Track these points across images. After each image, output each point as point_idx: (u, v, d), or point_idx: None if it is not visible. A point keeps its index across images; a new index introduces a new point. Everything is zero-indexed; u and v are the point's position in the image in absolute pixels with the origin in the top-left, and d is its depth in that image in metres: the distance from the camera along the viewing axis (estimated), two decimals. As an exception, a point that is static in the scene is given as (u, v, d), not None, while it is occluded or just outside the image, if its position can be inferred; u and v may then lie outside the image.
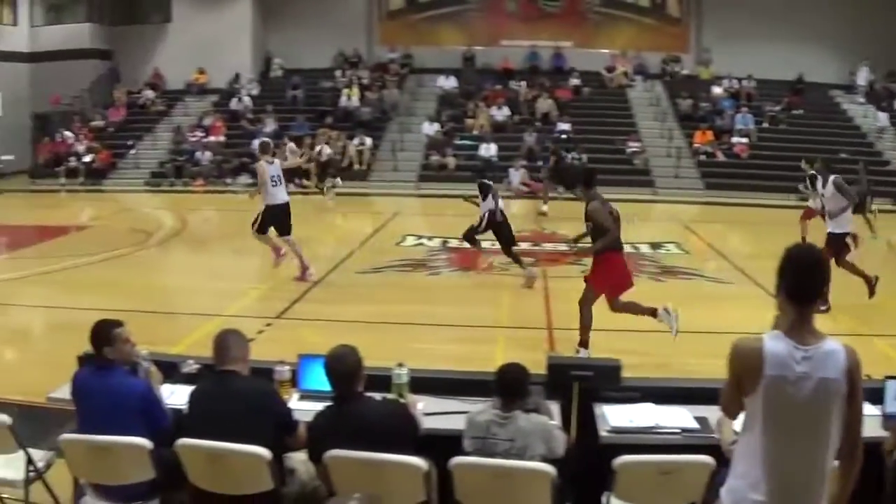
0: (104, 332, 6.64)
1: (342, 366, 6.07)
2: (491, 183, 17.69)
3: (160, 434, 6.29)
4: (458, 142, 34.19)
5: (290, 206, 17.50)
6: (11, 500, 7.28)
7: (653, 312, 12.08)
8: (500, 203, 17.62)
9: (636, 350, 11.13)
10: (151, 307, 14.08)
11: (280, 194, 17.35)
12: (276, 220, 17.33)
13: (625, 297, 12.03)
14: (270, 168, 17.32)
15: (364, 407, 6.05)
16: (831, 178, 15.68)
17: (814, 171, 18.99)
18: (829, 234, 15.21)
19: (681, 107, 36.12)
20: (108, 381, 6.50)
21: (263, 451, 5.76)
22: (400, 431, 5.96)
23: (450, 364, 9.27)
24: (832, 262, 14.13)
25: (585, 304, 11.92)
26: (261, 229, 17.37)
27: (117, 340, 6.63)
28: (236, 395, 6.19)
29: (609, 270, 11.91)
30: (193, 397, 6.43)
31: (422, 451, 5.79)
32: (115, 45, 43.44)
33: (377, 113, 36.87)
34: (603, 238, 11.69)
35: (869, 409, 5.68)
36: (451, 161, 32.77)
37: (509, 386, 6.12)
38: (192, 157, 35.54)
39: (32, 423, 8.72)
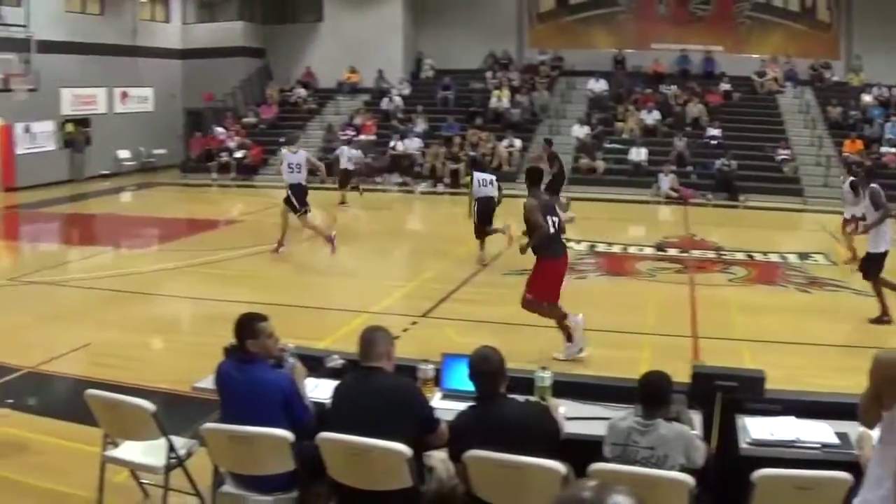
0: (249, 326, 6.79)
1: (486, 366, 6.13)
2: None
3: (301, 428, 6.42)
4: (607, 145, 33.96)
5: (303, 189, 20.32)
6: (152, 486, 7.54)
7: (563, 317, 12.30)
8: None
9: (777, 363, 11.01)
10: (299, 302, 14.33)
11: (295, 178, 20.25)
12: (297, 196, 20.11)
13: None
14: (292, 157, 20.39)
15: (506, 408, 6.09)
16: (870, 186, 15.23)
17: (854, 179, 18.40)
18: (867, 252, 14.82)
19: (830, 114, 35.20)
20: (251, 375, 6.66)
21: (404, 448, 5.84)
22: (541, 434, 5.98)
23: (593, 369, 9.30)
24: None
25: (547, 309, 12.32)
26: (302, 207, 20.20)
27: (261, 334, 6.78)
28: (379, 391, 6.28)
29: (540, 278, 12.28)
30: (337, 392, 6.57)
31: (561, 454, 5.81)
32: (267, 44, 44.13)
33: (527, 115, 36.76)
34: (533, 235, 12.20)
35: None
36: (600, 165, 32.56)
37: (652, 394, 6.09)
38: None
39: (176, 412, 9.02)
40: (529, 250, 12.49)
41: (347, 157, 30.56)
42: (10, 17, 31.84)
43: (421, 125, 36.30)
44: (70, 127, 36.47)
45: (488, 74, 39.55)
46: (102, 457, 7.24)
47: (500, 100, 37.13)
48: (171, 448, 6.87)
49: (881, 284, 14.64)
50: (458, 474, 6.14)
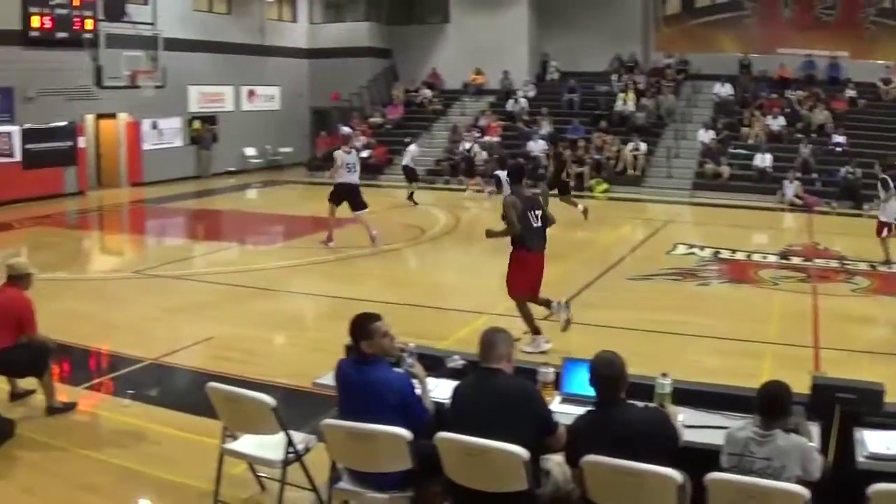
0: (363, 326, 6.82)
1: (608, 370, 6.09)
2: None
3: (418, 429, 6.41)
4: (732, 150, 33.52)
5: (359, 188, 21.23)
6: (268, 480, 7.62)
7: (546, 304, 12.91)
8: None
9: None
10: (421, 301, 14.38)
11: (352, 178, 21.08)
12: (348, 196, 21.04)
13: None
14: (347, 157, 21.16)
15: (626, 414, 6.04)
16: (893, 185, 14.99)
17: (885, 176, 17.84)
18: None
19: (955, 123, 34.42)
20: (369, 375, 6.69)
21: (521, 451, 5.80)
22: (660, 441, 5.91)
23: (713, 377, 9.15)
24: None
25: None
26: (332, 199, 21.24)
27: (376, 334, 6.79)
28: (499, 393, 6.26)
29: (515, 269, 12.79)
30: (456, 392, 6.56)
31: (678, 463, 5.73)
32: (393, 44, 44.42)
33: (652, 118, 36.48)
34: (505, 230, 12.70)
35: None
36: (725, 170, 32.16)
37: (771, 404, 5.98)
38: (468, 156, 35.96)
39: (296, 407, 9.11)
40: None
41: (411, 155, 30.78)
42: (137, 15, 32.43)
43: (546, 127, 36.15)
44: (197, 124, 37.04)
45: (614, 77, 39.33)
46: (221, 449, 7.35)
47: (626, 103, 36.87)
48: (290, 443, 6.93)
49: None
50: (575, 479, 6.10)
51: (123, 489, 8.14)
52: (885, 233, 18.86)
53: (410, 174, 30.52)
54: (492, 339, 6.49)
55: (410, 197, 29.40)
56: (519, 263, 12.78)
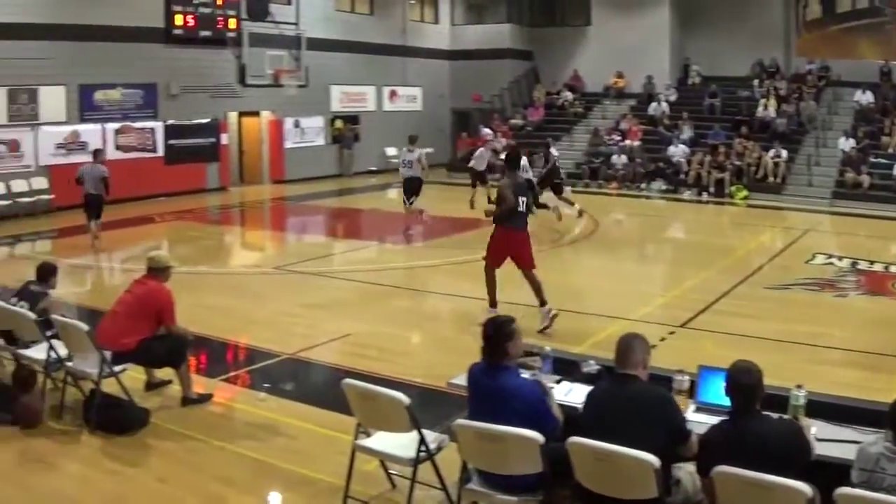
0: (507, 329, 6.77)
1: (745, 379, 5.93)
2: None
3: (546, 436, 6.32)
4: (872, 160, 32.73)
5: (412, 181, 23.63)
6: (399, 477, 7.59)
7: (543, 302, 13.84)
8: None
9: None
10: (557, 304, 14.24)
11: (406, 172, 23.86)
12: (404, 186, 23.79)
13: None
14: (407, 154, 23.98)
15: (761, 425, 5.89)
16: None
17: None
18: None
19: None
20: (499, 382, 6.65)
21: (652, 458, 5.71)
22: (793, 454, 5.77)
23: (846, 390, 8.92)
24: None
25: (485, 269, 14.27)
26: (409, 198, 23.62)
27: (517, 335, 6.78)
28: (633, 399, 6.19)
29: (491, 242, 14.20)
30: (591, 397, 6.50)
31: (809, 476, 5.58)
32: (534, 46, 44.46)
33: (793, 125, 35.83)
34: (500, 206, 13.95)
35: None
36: (865, 179, 31.38)
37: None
38: (608, 159, 35.76)
39: (430, 406, 9.11)
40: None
41: (477, 157, 29.97)
42: (281, 14, 32.83)
43: (687, 132, 35.80)
44: (339, 123, 37.38)
45: (755, 82, 38.77)
46: (354, 445, 7.35)
47: (767, 109, 36.26)
48: (423, 441, 6.91)
49: None
50: (704, 488, 5.99)
51: (257, 482, 8.21)
52: None
53: (476, 177, 29.47)
54: (629, 345, 6.41)
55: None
56: (500, 241, 14.08)
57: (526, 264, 14.00)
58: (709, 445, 6.00)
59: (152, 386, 10.46)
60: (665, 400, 6.35)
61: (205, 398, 10.25)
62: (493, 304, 14.05)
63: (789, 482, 5.36)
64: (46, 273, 11.08)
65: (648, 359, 6.45)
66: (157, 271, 10.07)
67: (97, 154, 22.12)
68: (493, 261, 14.16)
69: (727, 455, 5.66)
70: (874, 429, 6.24)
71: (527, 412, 6.46)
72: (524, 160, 20.74)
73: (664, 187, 33.96)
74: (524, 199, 14.11)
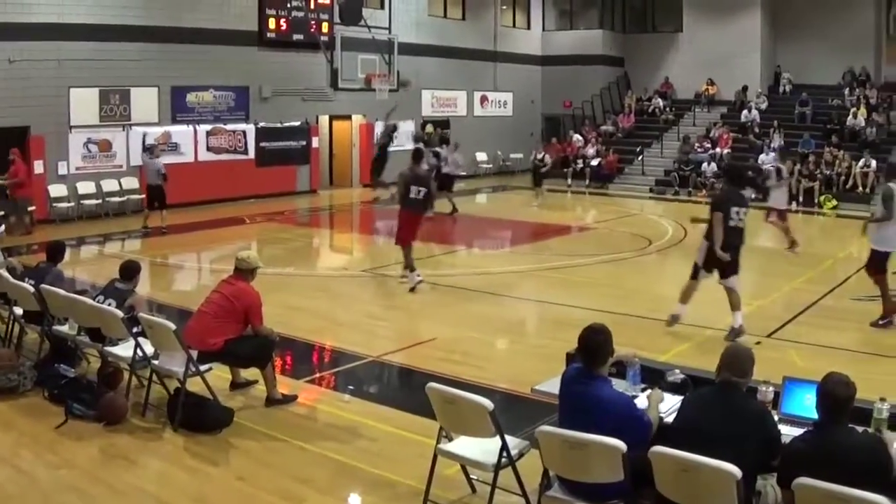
0: (610, 343, 6.72)
1: (842, 392, 5.86)
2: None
3: (637, 444, 6.30)
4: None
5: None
6: (480, 482, 7.57)
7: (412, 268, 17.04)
8: None
9: None
10: (644, 312, 14.19)
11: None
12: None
13: None
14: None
15: (847, 438, 5.82)
16: (885, 185, 14.25)
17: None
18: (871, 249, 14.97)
19: None
20: (592, 391, 6.60)
21: (734, 470, 5.63)
22: (876, 468, 5.69)
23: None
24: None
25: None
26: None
27: (612, 342, 6.73)
28: (734, 410, 6.16)
29: (405, 226, 17.25)
30: (687, 403, 6.50)
31: (891, 491, 5.49)
32: (625, 53, 44.54)
33: (883, 135, 35.29)
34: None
35: None
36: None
37: None
38: (699, 167, 35.52)
39: (513, 412, 9.11)
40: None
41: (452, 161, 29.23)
42: (373, 19, 32.97)
43: (777, 140, 35.42)
44: (429, 128, 37.49)
45: (846, 91, 38.30)
46: (436, 449, 7.37)
47: (857, 118, 35.78)
48: (505, 447, 6.91)
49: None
50: (786, 501, 5.87)
51: (337, 483, 8.24)
52: None
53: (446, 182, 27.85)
54: (739, 354, 6.43)
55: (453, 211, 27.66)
56: (407, 222, 17.21)
57: (402, 241, 17.25)
58: (791, 456, 5.92)
59: (237, 386, 10.56)
60: (764, 414, 6.34)
61: (289, 399, 10.34)
62: (412, 268, 17.13)
63: (870, 496, 5.28)
64: (131, 272, 11.22)
65: (753, 371, 6.42)
66: (245, 272, 10.18)
67: (152, 150, 23.90)
68: (410, 239, 17.28)
69: (810, 466, 5.59)
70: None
71: (616, 425, 6.39)
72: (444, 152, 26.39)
73: (752, 196, 33.66)
74: (421, 189, 17.03)
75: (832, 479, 5.42)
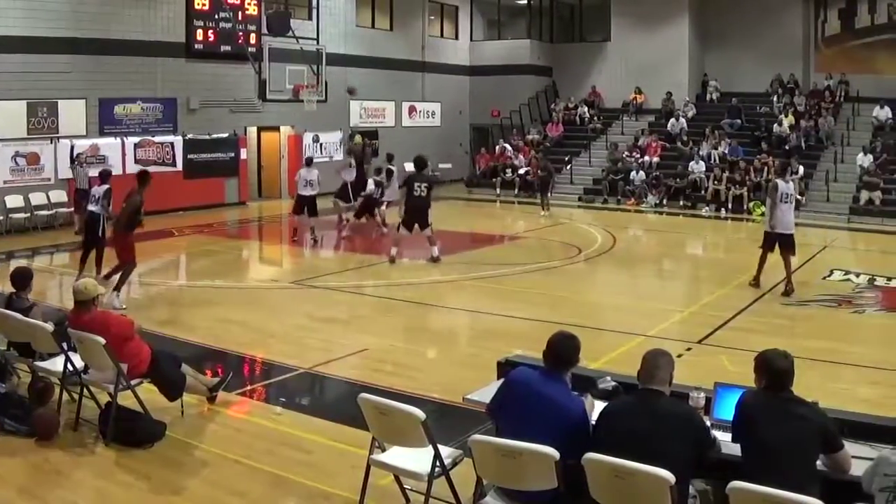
0: (573, 342, 6.86)
1: (781, 364, 6.35)
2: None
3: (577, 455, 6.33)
4: (891, 175, 32.51)
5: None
6: (414, 492, 7.58)
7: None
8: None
9: None
10: (575, 320, 14.24)
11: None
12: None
13: None
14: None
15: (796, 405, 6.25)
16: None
17: None
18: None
19: None
20: (550, 391, 6.63)
21: (667, 475, 5.68)
22: (817, 432, 6.09)
23: (864, 407, 8.92)
24: None
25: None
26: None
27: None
28: (659, 414, 6.21)
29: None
30: (611, 412, 6.52)
31: (822, 494, 5.62)
32: (553, 62, 44.77)
33: (811, 141, 35.73)
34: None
35: None
36: (878, 195, 31.20)
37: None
38: (627, 175, 35.75)
39: (446, 421, 9.12)
40: None
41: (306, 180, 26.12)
42: (301, 30, 32.94)
43: (705, 148, 35.74)
44: (357, 138, 37.45)
45: (774, 98, 38.75)
46: (369, 460, 7.36)
47: (784, 125, 36.20)
48: (438, 457, 6.91)
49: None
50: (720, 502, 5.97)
51: (271, 495, 8.22)
52: None
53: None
54: (656, 361, 6.46)
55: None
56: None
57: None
58: (747, 410, 6.30)
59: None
60: (691, 414, 6.44)
61: (224, 379, 10.68)
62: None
63: (804, 498, 5.36)
64: (24, 280, 10.93)
65: (673, 375, 6.50)
66: (88, 303, 9.70)
67: (79, 159, 25.02)
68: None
69: (764, 420, 6.10)
70: (891, 445, 6.23)
71: (567, 430, 6.47)
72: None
73: (655, 201, 33.99)
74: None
75: (783, 432, 5.94)
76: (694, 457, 6.15)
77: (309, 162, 25.06)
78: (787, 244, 18.26)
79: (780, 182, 18.41)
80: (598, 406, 6.92)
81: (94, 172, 24.69)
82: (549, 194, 32.22)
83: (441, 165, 41.43)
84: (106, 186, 18.05)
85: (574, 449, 6.27)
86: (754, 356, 6.54)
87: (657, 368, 6.39)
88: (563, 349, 6.76)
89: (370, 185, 24.08)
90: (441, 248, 21.44)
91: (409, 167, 26.98)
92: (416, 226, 21.06)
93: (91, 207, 18.05)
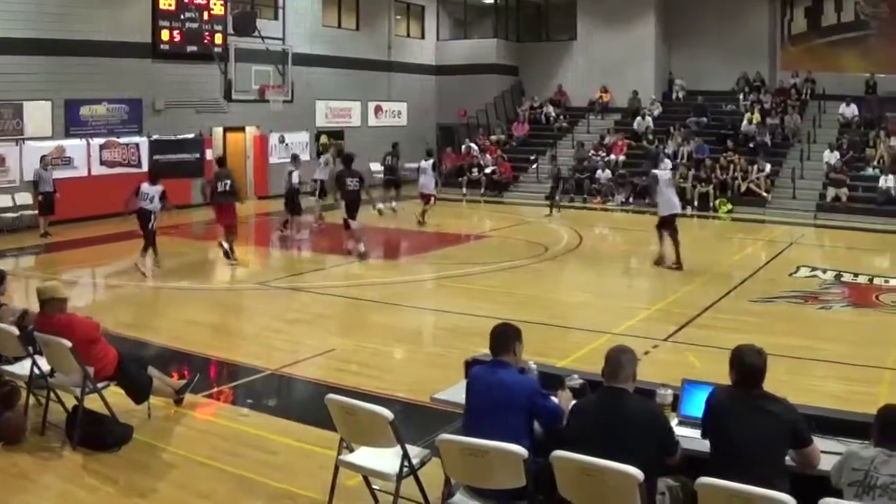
0: (514, 330, 7.11)
1: (754, 360, 6.37)
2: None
3: (552, 423, 6.63)
4: (857, 172, 32.68)
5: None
6: (382, 493, 7.57)
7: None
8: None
9: None
10: (541, 319, 14.29)
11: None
12: None
13: None
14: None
15: (765, 399, 6.27)
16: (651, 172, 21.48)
17: None
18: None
19: None
20: (499, 376, 6.76)
21: (636, 472, 5.70)
22: (786, 428, 6.13)
23: (831, 402, 8.97)
24: None
25: None
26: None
27: (521, 341, 7.08)
28: (624, 412, 6.22)
29: None
30: (578, 411, 6.53)
31: (792, 489, 5.63)
32: (520, 61, 44.79)
33: (778, 139, 35.94)
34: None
35: None
36: (848, 192, 31.39)
37: (891, 427, 5.80)
38: (594, 174, 35.82)
39: (413, 421, 9.10)
40: None
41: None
42: (267, 30, 32.89)
43: (671, 146, 35.86)
44: (324, 139, 37.44)
45: (740, 96, 38.94)
46: (337, 460, 7.35)
47: (751, 123, 36.38)
48: (406, 456, 6.91)
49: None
50: (689, 499, 6.01)
51: (237, 497, 8.19)
52: None
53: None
54: (619, 359, 6.45)
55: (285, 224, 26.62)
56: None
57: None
58: (715, 406, 6.32)
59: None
60: (656, 414, 6.43)
61: (190, 382, 10.65)
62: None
63: (772, 493, 5.40)
64: None
65: (636, 372, 6.50)
66: (53, 302, 9.63)
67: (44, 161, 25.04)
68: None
69: (734, 417, 6.12)
70: (858, 441, 6.25)
71: (528, 404, 6.64)
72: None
73: (622, 200, 34.10)
74: (227, 181, 20.97)
75: (752, 428, 5.99)
76: (658, 455, 6.17)
77: (295, 159, 25.87)
78: (674, 224, 20.43)
79: (657, 172, 20.90)
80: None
81: (58, 175, 24.74)
82: (556, 197, 32.13)
83: (408, 165, 41.39)
84: (161, 188, 19.83)
85: (542, 420, 6.63)
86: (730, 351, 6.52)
87: (620, 366, 6.38)
88: (498, 336, 7.00)
89: (293, 179, 23.94)
90: (366, 245, 21.98)
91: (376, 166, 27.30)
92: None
93: (143, 205, 19.53)
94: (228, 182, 21.09)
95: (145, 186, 19.73)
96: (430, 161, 29.55)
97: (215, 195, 21.25)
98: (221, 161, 22.88)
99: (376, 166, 37.87)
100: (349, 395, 7.60)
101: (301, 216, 23.85)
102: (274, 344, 13.90)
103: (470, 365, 7.69)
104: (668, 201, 20.44)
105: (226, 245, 20.83)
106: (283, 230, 25.11)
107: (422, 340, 15.21)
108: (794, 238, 26.35)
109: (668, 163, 22.91)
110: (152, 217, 19.53)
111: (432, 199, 28.65)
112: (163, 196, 19.61)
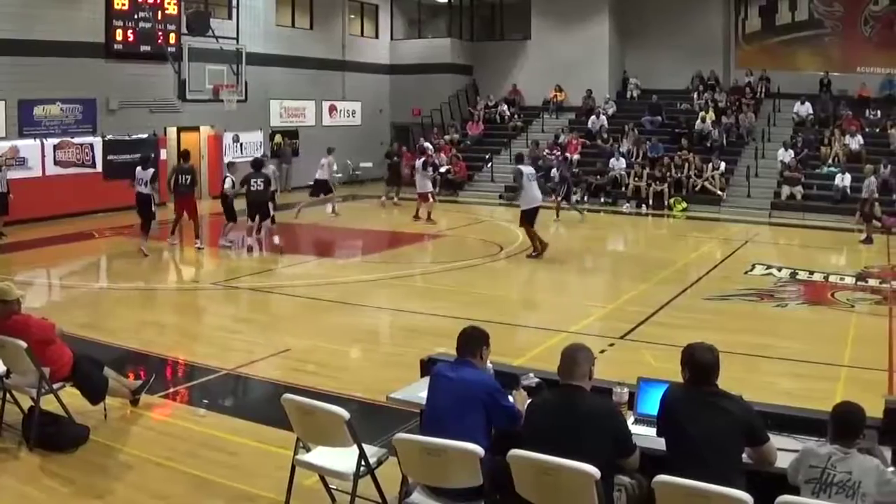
0: (482, 332, 7.17)
1: (707, 357, 6.45)
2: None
3: (512, 420, 6.68)
4: (811, 171, 32.96)
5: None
6: (339, 492, 7.60)
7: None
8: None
9: None
10: (497, 318, 14.30)
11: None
12: None
13: None
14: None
15: (722, 398, 6.32)
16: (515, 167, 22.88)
17: None
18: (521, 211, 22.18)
19: None
20: (463, 374, 6.81)
21: (593, 470, 5.72)
22: (743, 425, 6.19)
23: (787, 399, 9.05)
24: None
25: None
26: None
27: (489, 345, 7.14)
28: (580, 411, 6.23)
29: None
30: (534, 409, 6.55)
31: (748, 486, 5.70)
32: (474, 61, 44.81)
33: (732, 137, 36.18)
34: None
35: None
36: (803, 191, 31.65)
37: (846, 424, 5.87)
38: (548, 173, 35.86)
39: (370, 420, 9.14)
40: None
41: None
42: (221, 29, 32.80)
43: (626, 145, 36.03)
44: (278, 138, 37.39)
45: (694, 95, 39.15)
46: (294, 460, 7.36)
47: (706, 121, 36.57)
48: (362, 456, 6.92)
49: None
50: (645, 497, 6.06)
51: (195, 498, 8.17)
52: None
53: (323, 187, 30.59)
54: (574, 356, 6.46)
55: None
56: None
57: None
58: (670, 404, 6.39)
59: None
60: (612, 412, 6.44)
61: (147, 382, 10.66)
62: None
63: (730, 491, 5.43)
64: None
65: (593, 370, 6.52)
66: (6, 306, 9.54)
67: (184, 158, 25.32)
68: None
69: (687, 414, 6.19)
70: (814, 437, 6.35)
71: (489, 400, 6.69)
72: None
73: (576, 198, 34.22)
74: (187, 176, 23.10)
75: (707, 425, 6.04)
76: (613, 454, 6.18)
77: (231, 166, 25.88)
78: (535, 217, 22.10)
79: (521, 167, 22.42)
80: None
81: (12, 175, 24.60)
82: (561, 199, 32.14)
83: (362, 164, 41.42)
84: (152, 171, 22.49)
85: (498, 420, 6.71)
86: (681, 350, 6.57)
87: (576, 363, 6.39)
88: (468, 338, 7.04)
89: (227, 184, 23.90)
90: (283, 240, 23.19)
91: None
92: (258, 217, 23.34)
93: (140, 189, 22.08)
94: (189, 177, 23.31)
95: (139, 171, 21.72)
96: (422, 160, 30.45)
97: (177, 186, 23.25)
98: (186, 156, 24.61)
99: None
100: (306, 395, 7.58)
101: (237, 222, 23.63)
102: (230, 344, 13.86)
103: (427, 364, 7.74)
104: (530, 195, 21.92)
105: (199, 244, 23.17)
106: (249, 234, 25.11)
107: (378, 340, 15.18)
108: (749, 236, 26.53)
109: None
110: (152, 200, 22.26)
111: (430, 196, 29.38)
112: (154, 178, 21.90)
